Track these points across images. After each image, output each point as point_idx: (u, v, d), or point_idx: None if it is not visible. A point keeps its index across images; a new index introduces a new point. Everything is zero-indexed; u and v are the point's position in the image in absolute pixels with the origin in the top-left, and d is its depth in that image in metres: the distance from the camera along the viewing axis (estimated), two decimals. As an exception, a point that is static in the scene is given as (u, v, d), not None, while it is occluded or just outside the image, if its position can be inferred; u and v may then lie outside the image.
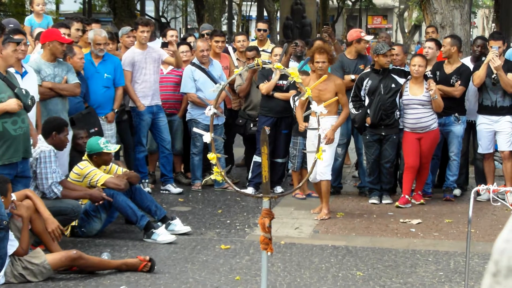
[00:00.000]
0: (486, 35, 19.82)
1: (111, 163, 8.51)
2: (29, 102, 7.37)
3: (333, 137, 9.13)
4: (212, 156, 5.10)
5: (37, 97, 7.99)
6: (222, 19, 41.24)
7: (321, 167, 9.05)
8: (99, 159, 8.29)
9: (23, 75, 7.89)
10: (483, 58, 10.26)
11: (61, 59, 8.86)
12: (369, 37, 10.80)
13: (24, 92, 7.32)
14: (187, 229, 8.34)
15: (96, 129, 9.22)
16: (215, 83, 9.93)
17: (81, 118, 9.22)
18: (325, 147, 8.99)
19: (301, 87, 5.00)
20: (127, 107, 10.48)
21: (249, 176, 10.58)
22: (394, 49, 10.10)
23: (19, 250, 6.49)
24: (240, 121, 11.01)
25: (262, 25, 12.77)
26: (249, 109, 10.90)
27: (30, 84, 7.78)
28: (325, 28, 12.06)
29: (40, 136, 7.87)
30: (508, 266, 2.08)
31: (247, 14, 52.51)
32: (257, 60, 5.02)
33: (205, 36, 12.00)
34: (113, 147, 8.41)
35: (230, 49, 12.02)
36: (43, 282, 6.52)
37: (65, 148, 8.12)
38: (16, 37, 7.86)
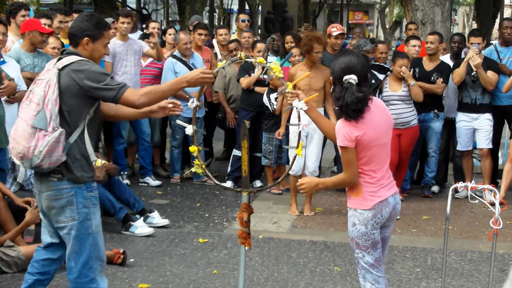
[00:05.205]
0: (466, 32, 19.91)
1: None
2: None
3: None
4: (193, 149, 5.08)
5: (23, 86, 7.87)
6: (204, 12, 41.21)
7: (312, 165, 9.07)
8: None
9: None
10: (463, 55, 10.29)
11: (41, 50, 8.77)
12: (336, 32, 10.64)
13: (5, 76, 7.23)
14: (165, 222, 8.32)
15: None
16: (196, 76, 9.87)
17: None
18: (312, 143, 9.01)
19: (283, 82, 4.98)
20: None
21: (228, 170, 10.56)
22: (377, 46, 10.05)
23: None
24: (220, 115, 10.99)
25: (244, 16, 12.92)
26: (229, 103, 10.88)
27: (8, 73, 7.64)
28: (305, 25, 12.11)
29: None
30: None
31: (229, 7, 52.42)
32: (239, 54, 4.99)
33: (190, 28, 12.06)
34: None
35: (214, 42, 11.99)
36: (19, 273, 6.47)
37: None
38: None
